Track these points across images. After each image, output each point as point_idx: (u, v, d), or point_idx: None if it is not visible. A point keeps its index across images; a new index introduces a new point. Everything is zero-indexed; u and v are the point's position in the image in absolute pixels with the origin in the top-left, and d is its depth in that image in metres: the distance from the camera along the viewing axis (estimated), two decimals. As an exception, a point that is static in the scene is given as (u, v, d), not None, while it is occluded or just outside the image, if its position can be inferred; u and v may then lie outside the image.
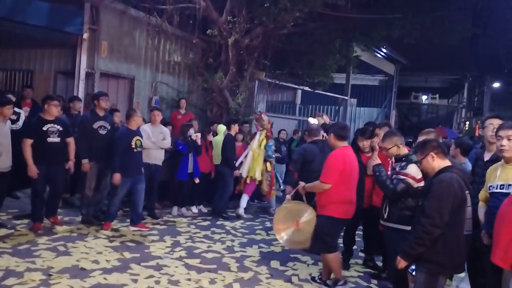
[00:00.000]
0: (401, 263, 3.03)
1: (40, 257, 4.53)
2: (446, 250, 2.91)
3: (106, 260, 4.63)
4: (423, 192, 3.25)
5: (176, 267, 4.66)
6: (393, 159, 4.07)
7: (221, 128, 8.10)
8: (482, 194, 3.45)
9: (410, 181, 3.65)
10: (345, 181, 4.15)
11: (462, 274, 4.35)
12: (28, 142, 5.28)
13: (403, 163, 3.79)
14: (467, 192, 2.98)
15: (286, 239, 4.58)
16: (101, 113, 5.96)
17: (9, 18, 6.36)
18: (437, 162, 3.11)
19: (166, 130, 6.82)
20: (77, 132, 5.92)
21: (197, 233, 6.14)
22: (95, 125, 5.86)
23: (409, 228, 3.60)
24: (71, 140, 5.75)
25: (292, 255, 5.18)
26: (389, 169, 4.14)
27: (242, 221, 7.11)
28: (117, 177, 5.69)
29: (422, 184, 3.64)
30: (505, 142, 3.14)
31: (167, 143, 6.69)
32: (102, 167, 5.95)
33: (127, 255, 4.87)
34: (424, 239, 2.88)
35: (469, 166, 4.72)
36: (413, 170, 3.69)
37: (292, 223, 4.45)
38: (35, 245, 4.89)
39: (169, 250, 5.20)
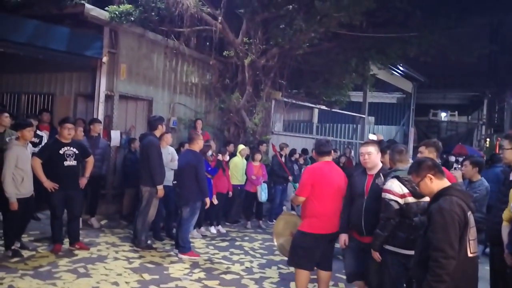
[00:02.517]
0: None
1: (60, 279, 4.55)
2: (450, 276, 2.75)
3: (126, 282, 4.63)
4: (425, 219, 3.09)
5: (195, 289, 4.63)
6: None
7: (240, 148, 8.13)
8: (506, 214, 3.37)
9: (392, 196, 3.58)
10: (317, 195, 4.15)
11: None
12: (37, 161, 5.26)
13: (388, 178, 3.75)
14: (469, 213, 2.82)
15: (281, 244, 4.84)
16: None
17: (32, 43, 6.56)
18: (436, 184, 2.94)
19: (173, 151, 6.87)
20: (150, 157, 5.81)
21: (215, 254, 6.10)
22: (161, 150, 6.03)
23: (405, 251, 3.57)
24: (90, 159, 5.83)
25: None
26: None
27: (260, 241, 7.04)
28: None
29: (410, 200, 3.56)
30: None
31: (176, 164, 6.59)
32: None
33: (147, 276, 4.85)
34: (441, 275, 2.68)
35: (485, 183, 4.89)
36: (393, 185, 3.61)
37: (288, 233, 4.66)
38: (56, 267, 4.92)
39: (188, 272, 5.17)
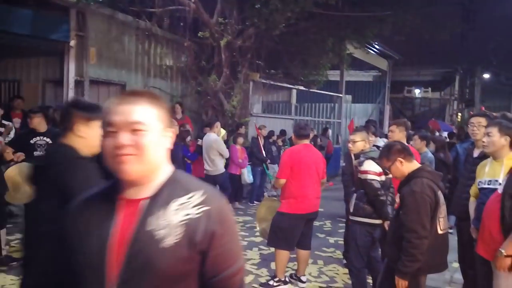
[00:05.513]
0: (401, 283, 2.92)
1: (36, 274, 4.39)
2: None
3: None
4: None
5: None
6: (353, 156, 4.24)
7: (222, 133, 8.03)
8: (473, 190, 3.52)
9: (372, 176, 3.72)
10: (295, 177, 4.30)
11: (456, 265, 4.48)
12: (8, 149, 5.00)
13: (362, 159, 3.87)
14: (439, 192, 2.96)
15: (263, 228, 4.93)
16: None
17: (-8, 27, 6.20)
18: (406, 166, 3.05)
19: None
20: None
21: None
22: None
23: (372, 220, 3.77)
24: None
25: (292, 256, 5.10)
26: None
27: (241, 223, 7.01)
28: None
29: (383, 178, 3.75)
30: (485, 138, 3.25)
31: (226, 152, 7.22)
32: None
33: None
34: (415, 254, 2.83)
35: (429, 154, 5.57)
36: (371, 165, 3.75)
37: (270, 218, 4.69)
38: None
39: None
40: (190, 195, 1.23)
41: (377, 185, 3.72)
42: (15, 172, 4.71)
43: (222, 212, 1.24)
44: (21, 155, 4.86)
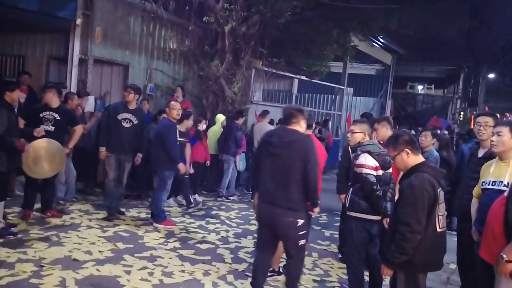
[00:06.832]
0: (386, 271, 2.94)
1: (31, 248, 4.48)
2: (419, 249, 2.83)
3: (99, 251, 4.59)
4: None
5: (170, 258, 4.63)
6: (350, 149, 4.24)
7: (220, 117, 8.07)
8: (476, 191, 3.45)
9: (368, 170, 3.70)
10: None
11: (453, 266, 4.42)
12: (20, 122, 5.20)
13: (358, 152, 3.86)
14: (439, 190, 2.89)
15: None
16: (131, 106, 5.84)
17: (1, 2, 6.19)
18: (412, 159, 2.98)
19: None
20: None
21: (191, 223, 6.11)
22: (120, 117, 5.79)
23: (368, 216, 3.72)
24: (77, 129, 5.60)
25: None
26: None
27: (237, 211, 7.09)
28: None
29: (380, 172, 3.73)
30: (494, 137, 3.18)
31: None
32: (122, 160, 5.87)
33: (121, 245, 4.82)
34: (405, 248, 2.79)
35: (435, 152, 5.42)
36: (367, 159, 3.72)
37: None
38: (27, 235, 4.83)
39: (163, 241, 5.17)
40: None
41: (373, 179, 3.68)
42: (42, 146, 4.93)
43: None
44: (41, 131, 4.96)
